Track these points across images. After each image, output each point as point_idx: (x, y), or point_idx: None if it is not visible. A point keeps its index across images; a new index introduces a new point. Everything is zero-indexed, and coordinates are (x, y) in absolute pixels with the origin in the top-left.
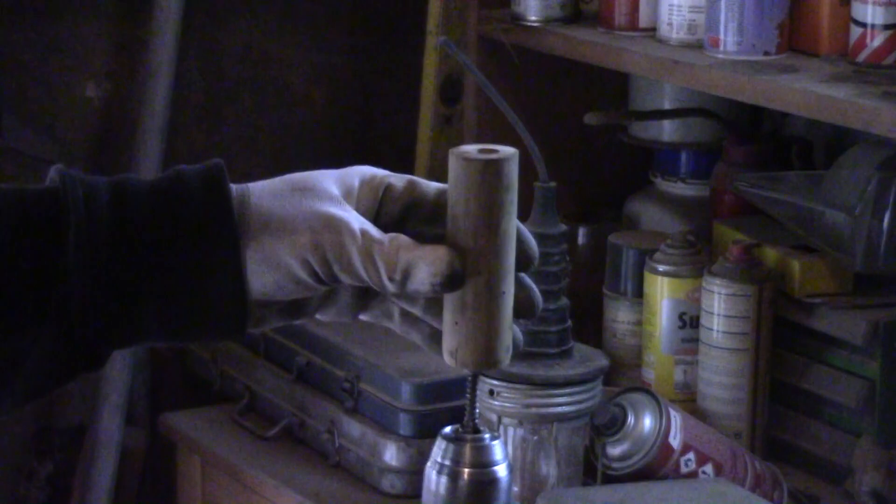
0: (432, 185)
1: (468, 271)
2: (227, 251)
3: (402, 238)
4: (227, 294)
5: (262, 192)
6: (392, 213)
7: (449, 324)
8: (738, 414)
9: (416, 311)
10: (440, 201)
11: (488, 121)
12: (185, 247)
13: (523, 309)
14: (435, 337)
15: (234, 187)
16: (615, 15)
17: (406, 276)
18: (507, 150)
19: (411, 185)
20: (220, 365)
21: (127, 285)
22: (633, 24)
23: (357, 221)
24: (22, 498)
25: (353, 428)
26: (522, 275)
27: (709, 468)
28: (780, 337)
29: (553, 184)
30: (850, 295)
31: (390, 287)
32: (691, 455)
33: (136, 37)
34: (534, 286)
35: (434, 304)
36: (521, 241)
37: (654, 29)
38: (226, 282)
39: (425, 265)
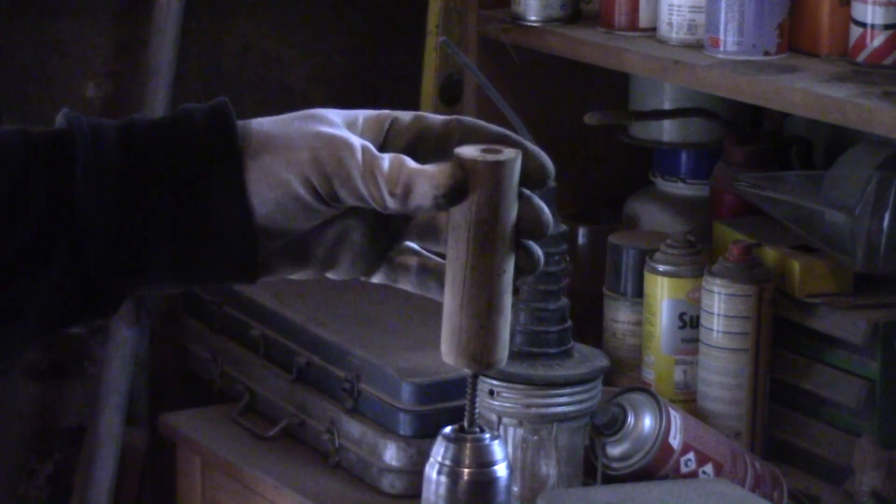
0: (438, 117)
1: (489, 273)
2: (230, 174)
3: (404, 157)
4: (231, 219)
5: (265, 120)
6: (398, 145)
7: (472, 328)
8: (738, 414)
9: (441, 247)
10: (447, 130)
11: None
12: (189, 174)
13: (533, 229)
14: None
15: (238, 122)
16: (615, 15)
17: (407, 190)
18: (509, 149)
19: (418, 118)
20: (220, 365)
21: (135, 217)
22: (633, 24)
23: (358, 141)
24: (22, 498)
25: (353, 428)
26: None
27: (709, 468)
28: (780, 337)
29: (553, 184)
30: (850, 295)
31: (391, 203)
32: (691, 455)
33: (136, 37)
34: (544, 207)
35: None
36: (533, 158)
37: (654, 29)
38: (230, 206)
39: (427, 178)
